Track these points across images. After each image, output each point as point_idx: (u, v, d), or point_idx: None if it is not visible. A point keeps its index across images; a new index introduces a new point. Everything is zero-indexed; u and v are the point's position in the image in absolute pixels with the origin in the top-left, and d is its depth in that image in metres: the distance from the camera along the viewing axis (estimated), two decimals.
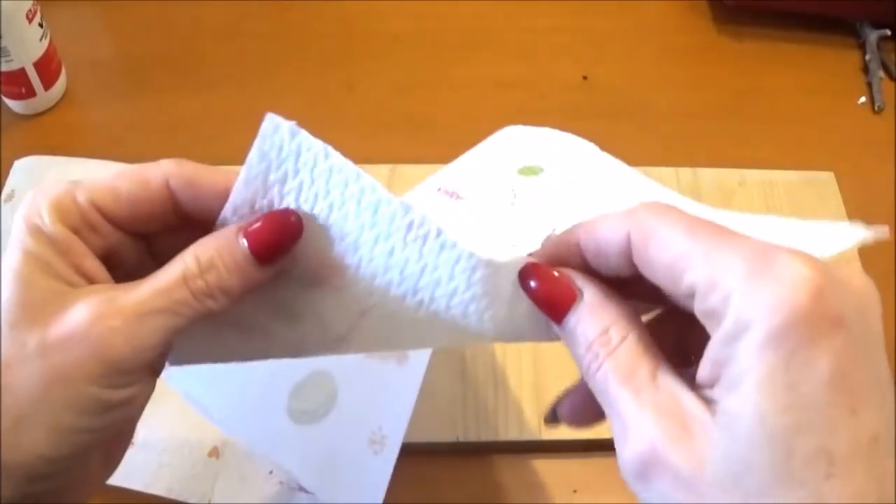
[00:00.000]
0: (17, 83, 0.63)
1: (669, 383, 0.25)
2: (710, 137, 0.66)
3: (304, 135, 0.29)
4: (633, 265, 0.26)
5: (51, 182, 0.30)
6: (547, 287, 0.28)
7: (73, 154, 0.61)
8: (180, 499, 0.47)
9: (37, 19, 0.61)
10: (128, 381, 0.28)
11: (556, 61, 0.71)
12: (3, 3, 0.58)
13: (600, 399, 0.26)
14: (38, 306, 0.27)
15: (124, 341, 0.27)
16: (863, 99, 0.69)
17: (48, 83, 0.64)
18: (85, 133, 0.65)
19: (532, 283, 0.29)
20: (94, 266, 0.29)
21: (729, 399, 0.23)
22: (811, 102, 0.69)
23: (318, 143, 0.29)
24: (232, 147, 0.63)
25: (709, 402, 0.24)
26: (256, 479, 0.48)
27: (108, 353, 0.27)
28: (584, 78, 0.69)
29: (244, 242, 0.29)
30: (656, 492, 0.24)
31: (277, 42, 0.71)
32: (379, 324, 0.31)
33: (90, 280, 0.29)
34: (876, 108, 0.68)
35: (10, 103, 0.65)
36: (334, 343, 0.32)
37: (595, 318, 0.27)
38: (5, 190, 0.60)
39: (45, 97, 0.65)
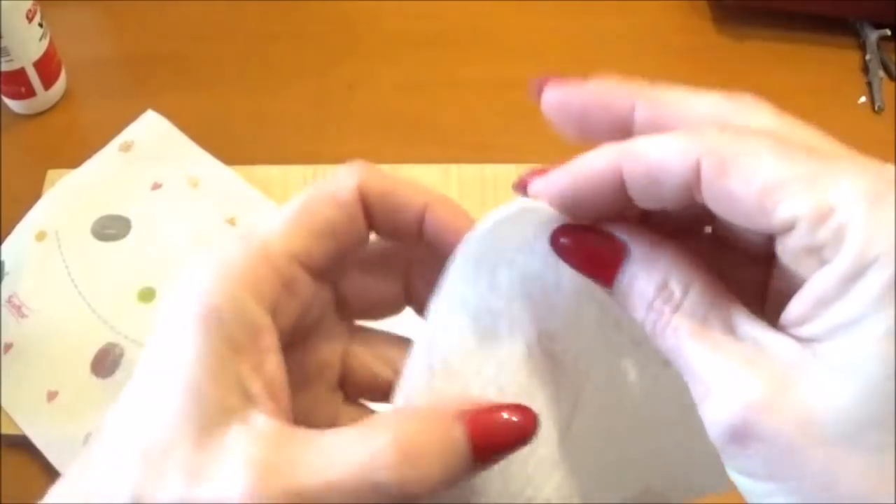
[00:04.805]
0: (17, 83, 0.63)
1: (751, 329, 0.22)
2: None
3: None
4: (690, 197, 0.22)
5: (223, 245, 0.24)
6: (587, 248, 0.24)
7: (74, 154, 0.61)
8: None
9: (37, 19, 0.61)
10: None
11: (556, 61, 0.71)
12: (3, 3, 0.58)
13: (674, 360, 0.23)
14: (194, 435, 0.22)
15: None
16: (863, 99, 0.69)
17: (48, 83, 0.64)
18: (85, 133, 0.65)
19: (567, 246, 0.24)
20: (274, 367, 0.24)
21: (845, 343, 0.20)
22: (811, 102, 0.68)
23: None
24: (233, 147, 0.63)
25: (804, 343, 0.21)
26: None
27: None
28: (585, 78, 0.69)
29: (464, 432, 0.23)
30: (755, 457, 0.20)
31: (277, 42, 0.71)
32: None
33: (267, 387, 0.23)
34: (876, 108, 0.68)
35: (10, 103, 0.65)
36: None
37: (649, 273, 0.23)
38: (123, 138, 0.62)
39: (45, 97, 0.65)
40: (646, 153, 0.22)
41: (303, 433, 0.23)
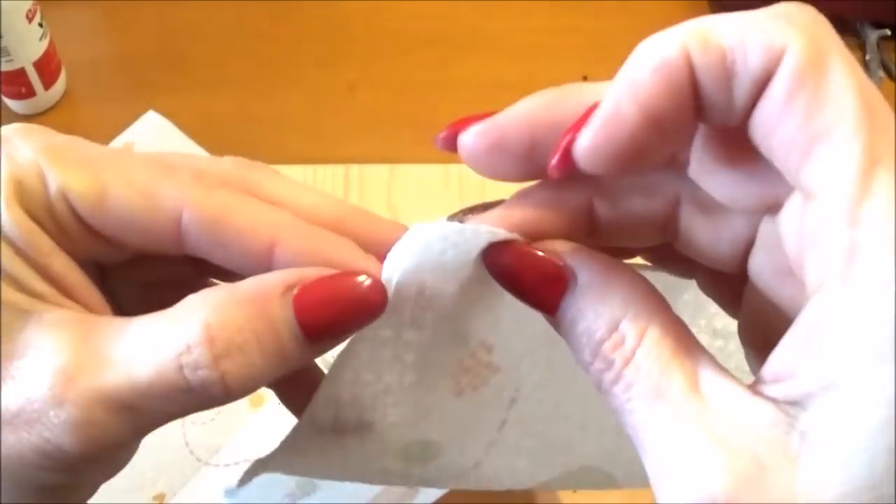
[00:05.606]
0: (17, 83, 0.63)
1: (719, 389, 0.17)
2: None
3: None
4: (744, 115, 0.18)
5: (22, 137, 0.21)
6: (526, 271, 0.20)
7: None
8: None
9: (37, 19, 0.61)
10: (81, 472, 0.21)
11: (556, 61, 0.71)
12: (3, 3, 0.58)
13: (623, 423, 0.19)
14: None
15: (75, 435, 0.19)
16: None
17: (48, 83, 0.64)
18: (85, 133, 0.64)
19: (504, 269, 0.20)
20: (65, 266, 0.21)
21: (834, 409, 0.16)
22: None
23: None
24: (233, 147, 0.63)
25: (781, 408, 0.17)
26: None
27: (54, 447, 0.19)
28: (584, 78, 0.69)
29: (290, 311, 0.20)
30: None
31: (277, 42, 0.71)
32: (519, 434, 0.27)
33: (62, 288, 0.21)
34: None
35: (10, 103, 0.65)
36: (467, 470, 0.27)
37: (597, 310, 0.19)
38: (124, 139, 0.62)
39: (45, 97, 0.65)
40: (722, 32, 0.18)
41: (107, 321, 0.21)
